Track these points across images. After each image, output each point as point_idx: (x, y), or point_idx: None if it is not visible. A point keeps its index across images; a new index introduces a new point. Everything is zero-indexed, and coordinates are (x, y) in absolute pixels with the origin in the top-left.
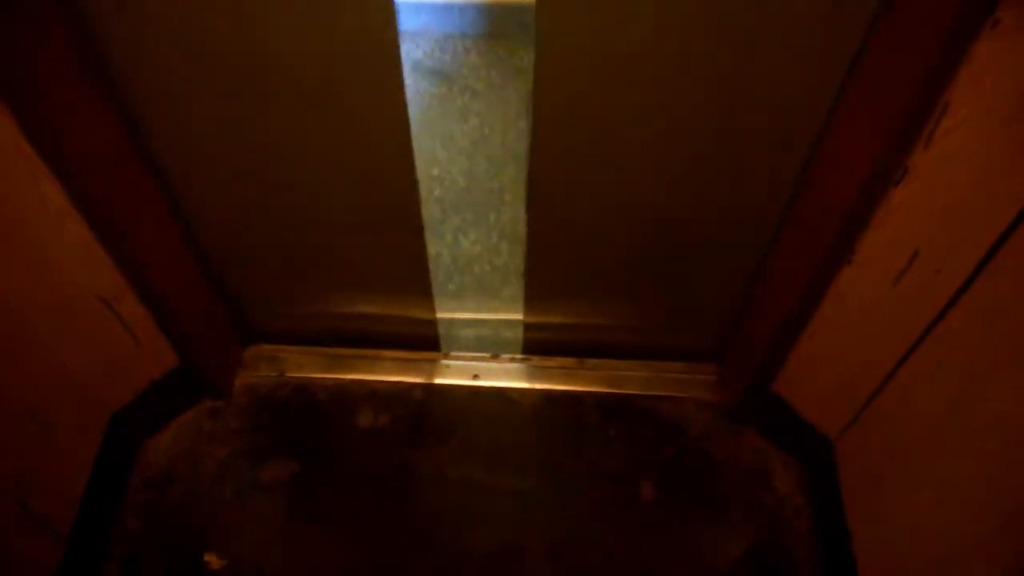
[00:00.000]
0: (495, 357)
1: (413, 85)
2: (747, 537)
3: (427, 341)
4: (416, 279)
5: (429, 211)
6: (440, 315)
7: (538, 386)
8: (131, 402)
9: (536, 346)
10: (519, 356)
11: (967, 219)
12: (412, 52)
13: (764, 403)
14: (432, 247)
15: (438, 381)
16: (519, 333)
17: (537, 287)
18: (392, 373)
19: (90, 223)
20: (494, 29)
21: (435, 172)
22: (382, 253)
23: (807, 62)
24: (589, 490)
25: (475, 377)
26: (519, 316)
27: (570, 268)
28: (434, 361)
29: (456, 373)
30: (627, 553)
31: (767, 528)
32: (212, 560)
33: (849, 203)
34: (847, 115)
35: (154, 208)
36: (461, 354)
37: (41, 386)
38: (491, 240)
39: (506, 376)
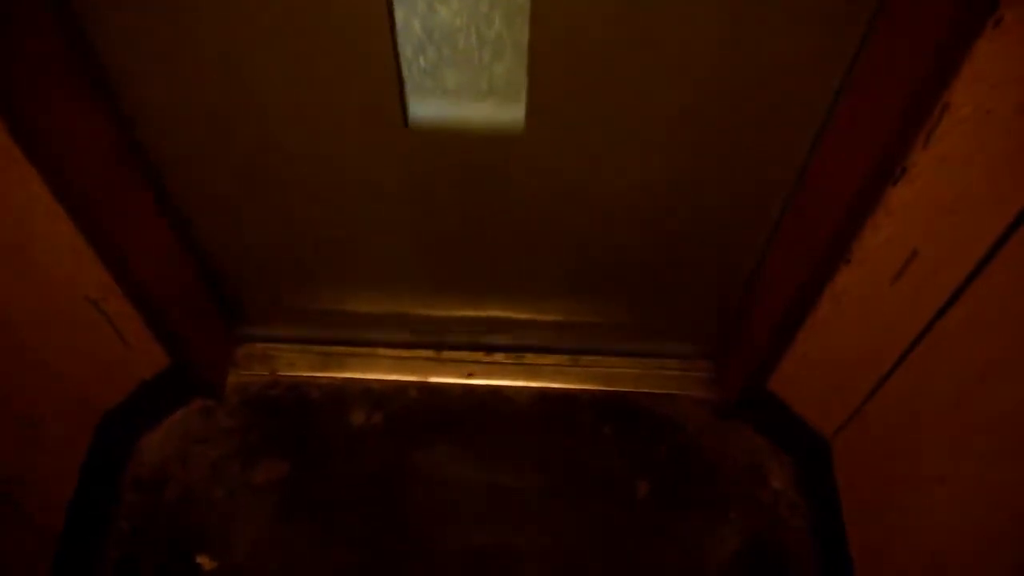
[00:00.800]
0: (489, 355)
1: None
2: (743, 535)
3: (421, 338)
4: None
5: None
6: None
7: (533, 384)
8: (122, 402)
9: (531, 344)
10: (513, 354)
11: (967, 219)
12: None
13: (760, 401)
14: (399, 14)
15: (432, 379)
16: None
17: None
18: (386, 371)
19: (78, 223)
20: None
21: None
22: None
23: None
24: (584, 488)
25: (469, 375)
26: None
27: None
28: (428, 359)
29: (450, 371)
30: (622, 551)
31: (763, 526)
32: (205, 561)
33: (848, 202)
34: (846, 114)
35: (143, 205)
36: (455, 352)
37: (30, 387)
38: (479, 8)
39: (500, 374)
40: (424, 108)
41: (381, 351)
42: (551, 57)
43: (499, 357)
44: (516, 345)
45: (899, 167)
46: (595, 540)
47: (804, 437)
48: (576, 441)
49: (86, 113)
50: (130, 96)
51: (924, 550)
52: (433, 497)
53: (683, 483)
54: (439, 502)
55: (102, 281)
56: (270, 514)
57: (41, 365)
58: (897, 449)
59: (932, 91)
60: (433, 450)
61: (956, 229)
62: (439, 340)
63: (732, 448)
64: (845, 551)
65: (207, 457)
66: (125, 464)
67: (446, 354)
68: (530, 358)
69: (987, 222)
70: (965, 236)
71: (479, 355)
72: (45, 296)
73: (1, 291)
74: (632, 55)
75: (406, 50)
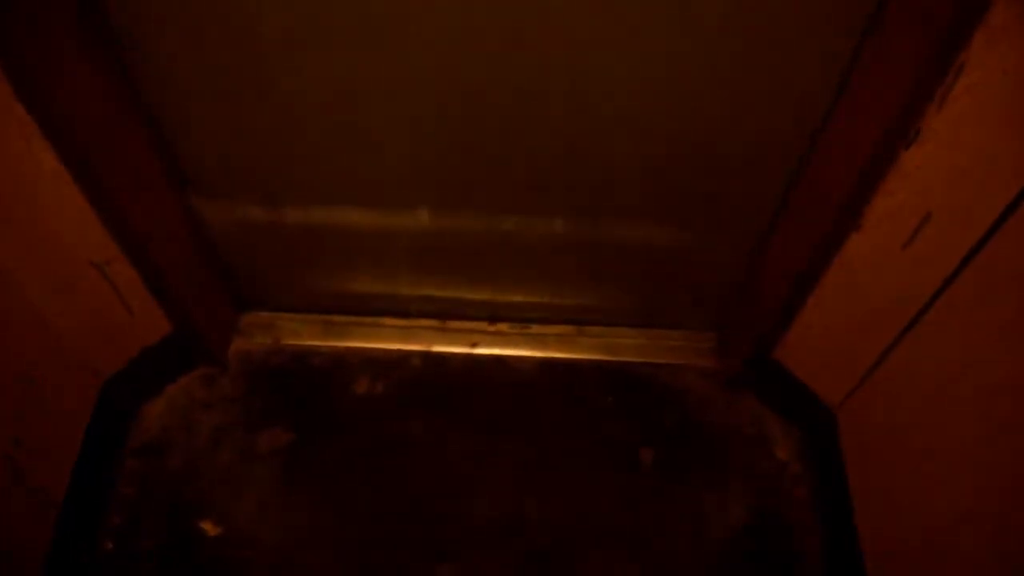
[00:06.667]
0: (493, 325)
1: None
2: (747, 505)
3: (424, 307)
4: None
5: None
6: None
7: (537, 354)
8: (124, 369)
9: (535, 313)
10: (518, 324)
11: (981, 182)
12: None
13: (765, 371)
14: None
15: (436, 349)
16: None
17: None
18: (390, 341)
19: (83, 186)
20: None
21: None
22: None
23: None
24: (588, 458)
25: (474, 345)
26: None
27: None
28: (432, 329)
29: (454, 341)
30: (626, 521)
31: (767, 496)
32: (208, 527)
33: (860, 166)
34: (860, 75)
35: (149, 170)
36: (459, 322)
37: (33, 352)
38: None
39: (505, 344)
40: None
41: (384, 320)
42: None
43: (503, 327)
44: (521, 315)
45: (913, 129)
46: (598, 509)
47: (810, 407)
48: (580, 411)
49: (91, 72)
50: (136, 57)
51: (932, 517)
52: (436, 466)
53: (687, 453)
54: (442, 471)
55: (107, 245)
56: (273, 481)
57: (45, 329)
58: (904, 418)
59: (948, 50)
60: (436, 419)
61: (970, 193)
62: (441, 309)
63: (737, 418)
64: (850, 521)
65: (210, 424)
66: (127, 430)
67: (450, 324)
68: (535, 328)
69: (1002, 184)
70: (980, 199)
71: (483, 325)
72: (49, 258)
73: (4, 253)
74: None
75: None
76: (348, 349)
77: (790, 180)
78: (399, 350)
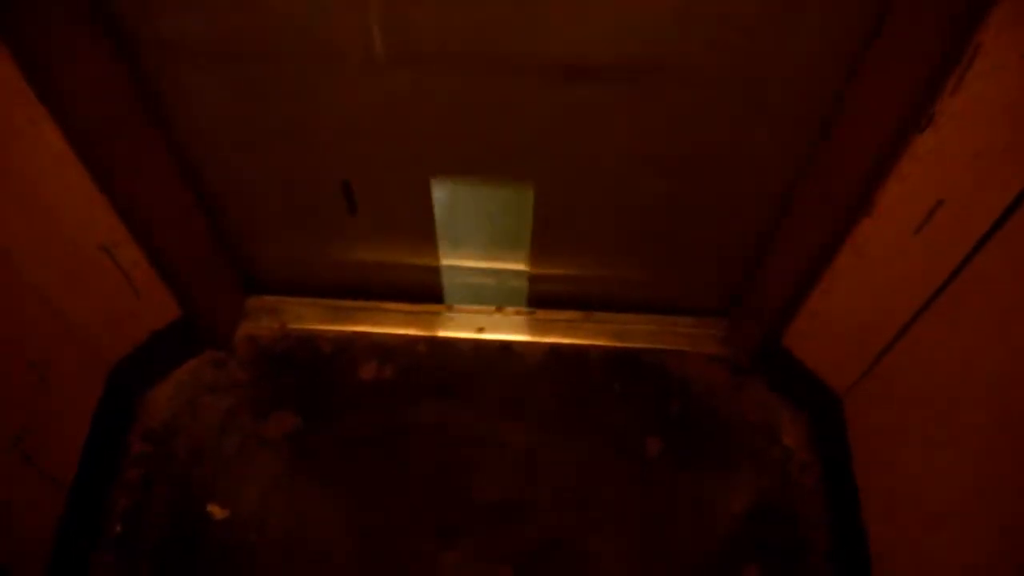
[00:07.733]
0: (500, 310)
1: None
2: (753, 492)
3: (431, 292)
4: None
5: None
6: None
7: (544, 339)
8: (132, 352)
9: (542, 298)
10: (524, 309)
11: (994, 167)
12: None
13: (773, 358)
14: None
15: (442, 334)
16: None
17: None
18: (396, 326)
19: (90, 168)
20: None
21: None
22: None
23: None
24: (594, 444)
25: (480, 330)
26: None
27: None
28: (438, 314)
29: (460, 326)
30: (632, 507)
31: (774, 483)
32: (215, 511)
33: (873, 152)
34: (874, 58)
35: (155, 154)
36: (465, 307)
37: (41, 336)
38: None
39: (511, 329)
40: None
41: (390, 305)
42: None
43: (510, 312)
44: (528, 300)
45: (926, 115)
46: (605, 496)
47: (817, 394)
48: (587, 397)
49: (97, 55)
50: (139, 39)
51: (938, 504)
52: (442, 452)
53: (695, 440)
54: (448, 457)
55: (114, 229)
56: (280, 466)
57: (53, 314)
58: (912, 406)
59: (963, 32)
60: (442, 405)
61: (983, 178)
62: (449, 293)
63: (744, 405)
64: (856, 508)
65: (217, 408)
66: (135, 414)
67: (456, 308)
68: (541, 313)
69: (1015, 171)
70: (993, 185)
71: (490, 310)
72: (57, 242)
73: (12, 235)
74: None
75: None
76: (354, 334)
77: (802, 164)
78: (405, 335)
